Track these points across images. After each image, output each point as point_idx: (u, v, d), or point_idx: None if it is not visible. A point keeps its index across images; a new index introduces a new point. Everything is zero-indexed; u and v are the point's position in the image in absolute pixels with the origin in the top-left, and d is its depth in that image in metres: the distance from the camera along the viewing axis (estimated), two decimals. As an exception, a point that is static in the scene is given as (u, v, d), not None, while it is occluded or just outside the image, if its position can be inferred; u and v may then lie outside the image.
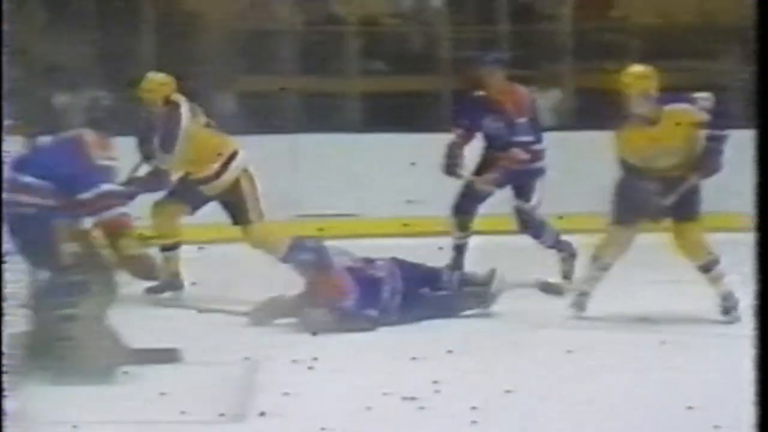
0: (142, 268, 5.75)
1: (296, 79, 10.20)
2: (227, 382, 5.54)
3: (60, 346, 5.50)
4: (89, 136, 5.83)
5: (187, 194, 7.45)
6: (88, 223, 5.71)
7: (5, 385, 2.34)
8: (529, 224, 7.60)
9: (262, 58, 10.35)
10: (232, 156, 7.44)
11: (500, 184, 7.57)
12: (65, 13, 10.07)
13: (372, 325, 6.51)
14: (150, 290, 7.18)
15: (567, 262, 7.52)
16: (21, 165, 5.69)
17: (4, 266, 2.21)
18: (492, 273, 6.98)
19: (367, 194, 9.23)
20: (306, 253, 6.63)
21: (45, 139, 6.10)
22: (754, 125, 2.37)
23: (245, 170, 7.45)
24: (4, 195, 5.49)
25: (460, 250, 7.63)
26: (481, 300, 6.93)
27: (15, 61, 9.91)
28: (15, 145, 5.85)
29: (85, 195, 5.59)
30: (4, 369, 2.37)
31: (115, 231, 5.62)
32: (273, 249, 7.23)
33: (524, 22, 10.58)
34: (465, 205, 7.64)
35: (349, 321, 6.46)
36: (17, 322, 5.41)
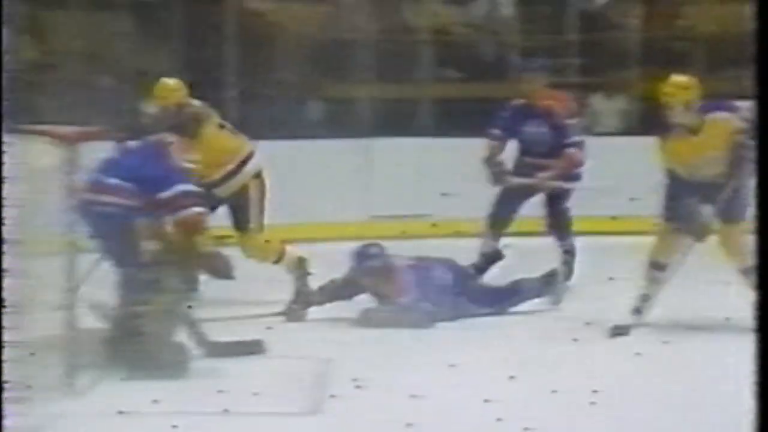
0: (216, 266, 5.85)
1: (372, 86, 10.32)
2: (301, 376, 5.62)
3: (136, 341, 5.60)
4: (171, 139, 6.02)
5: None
6: (166, 222, 5.79)
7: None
8: (560, 227, 7.67)
9: (339, 66, 10.47)
10: (247, 158, 7.16)
11: (557, 184, 7.63)
12: (153, 24, 10.27)
13: (430, 320, 6.67)
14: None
15: (569, 264, 7.54)
16: (106, 167, 5.89)
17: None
18: (554, 271, 7.13)
19: (438, 196, 9.30)
20: (370, 260, 6.84)
21: (132, 143, 6.23)
22: (754, 125, 2.42)
23: (257, 175, 7.14)
24: (90, 195, 5.70)
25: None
26: (550, 297, 7.09)
27: (107, 69, 10.24)
28: (105, 149, 6.09)
29: (164, 194, 5.72)
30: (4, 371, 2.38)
31: (191, 229, 5.73)
32: (264, 259, 7.09)
33: (592, 31, 10.61)
34: (504, 210, 7.70)
35: (408, 317, 6.65)
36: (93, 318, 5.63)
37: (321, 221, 9.12)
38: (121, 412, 4.98)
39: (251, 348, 6.05)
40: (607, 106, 10.47)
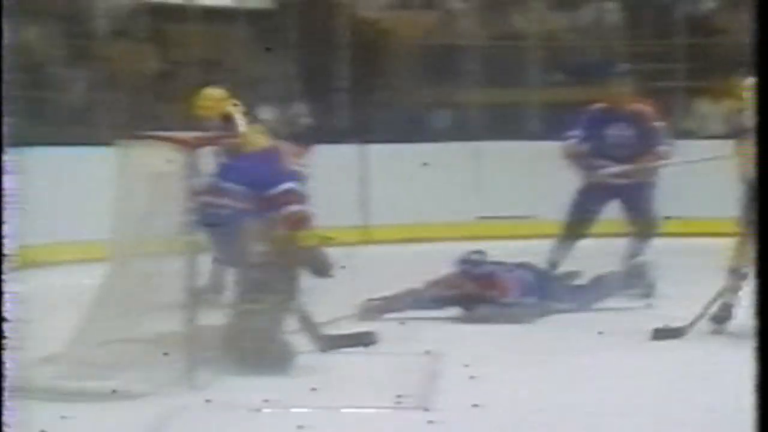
0: (316, 263, 5.87)
1: (481, 91, 10.30)
2: (409, 372, 5.61)
3: (248, 338, 5.63)
4: (286, 146, 6.07)
5: None
6: (272, 219, 5.79)
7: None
8: (641, 230, 7.53)
9: (449, 71, 10.48)
10: None
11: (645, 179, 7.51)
12: (269, 32, 10.37)
13: (530, 316, 6.75)
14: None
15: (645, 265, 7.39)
16: (223, 172, 5.97)
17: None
18: (641, 264, 7.11)
19: (544, 198, 9.26)
20: (473, 265, 6.96)
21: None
22: (755, 125, 2.30)
23: None
24: (207, 198, 5.77)
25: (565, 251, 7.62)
26: (639, 292, 7.07)
27: (225, 77, 10.38)
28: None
29: (271, 192, 5.76)
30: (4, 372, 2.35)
31: (295, 225, 5.75)
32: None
33: (699, 36, 10.46)
34: (585, 208, 7.61)
35: (511, 314, 6.74)
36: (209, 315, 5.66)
37: (429, 222, 9.12)
38: (239, 406, 5.01)
39: (363, 339, 6.09)
40: (713, 111, 10.30)
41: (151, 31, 10.07)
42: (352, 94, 10.03)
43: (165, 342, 5.46)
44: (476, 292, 6.88)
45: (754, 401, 2.25)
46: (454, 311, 6.87)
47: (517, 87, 10.45)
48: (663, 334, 6.22)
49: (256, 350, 5.60)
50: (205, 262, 6.51)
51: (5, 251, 2.51)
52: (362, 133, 9.07)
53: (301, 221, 5.78)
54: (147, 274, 5.66)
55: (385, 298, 6.90)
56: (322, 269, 5.90)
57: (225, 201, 5.78)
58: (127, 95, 9.30)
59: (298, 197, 5.81)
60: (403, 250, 8.50)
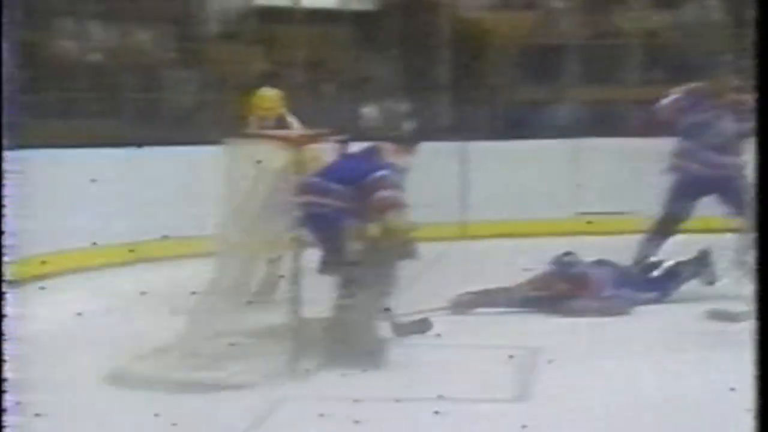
0: (402, 246, 5.83)
1: (580, 89, 10.22)
2: (509, 363, 5.59)
3: (341, 332, 5.67)
4: (387, 146, 6.05)
5: None
6: (366, 210, 5.81)
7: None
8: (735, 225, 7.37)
9: (549, 69, 10.41)
10: None
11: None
12: (373, 33, 10.41)
13: (625, 310, 6.76)
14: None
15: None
16: (326, 171, 5.98)
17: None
18: (706, 251, 7.09)
19: (644, 194, 9.15)
20: (564, 266, 7.01)
21: (353, 148, 6.27)
22: (755, 125, 2.26)
23: None
24: (310, 197, 5.81)
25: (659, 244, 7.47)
26: (705, 278, 7.10)
27: (330, 77, 10.44)
28: (328, 151, 6.19)
29: (364, 180, 5.80)
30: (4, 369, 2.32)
31: (385, 208, 5.74)
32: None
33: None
34: (680, 203, 7.44)
35: (604, 307, 6.76)
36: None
37: (530, 218, 9.07)
38: (340, 398, 5.03)
39: (422, 327, 6.13)
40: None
41: (258, 33, 10.18)
42: (452, 93, 10.02)
43: (270, 334, 5.54)
44: (567, 293, 6.89)
45: (754, 401, 2.23)
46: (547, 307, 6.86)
47: (617, 85, 10.34)
48: (719, 315, 6.24)
49: (351, 343, 5.64)
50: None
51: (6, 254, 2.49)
52: (462, 130, 9.06)
53: (391, 206, 5.76)
54: (253, 269, 5.74)
55: (477, 293, 6.90)
56: (405, 251, 5.88)
57: (327, 200, 5.82)
58: (234, 95, 9.41)
59: (390, 184, 5.82)
60: (501, 245, 8.45)
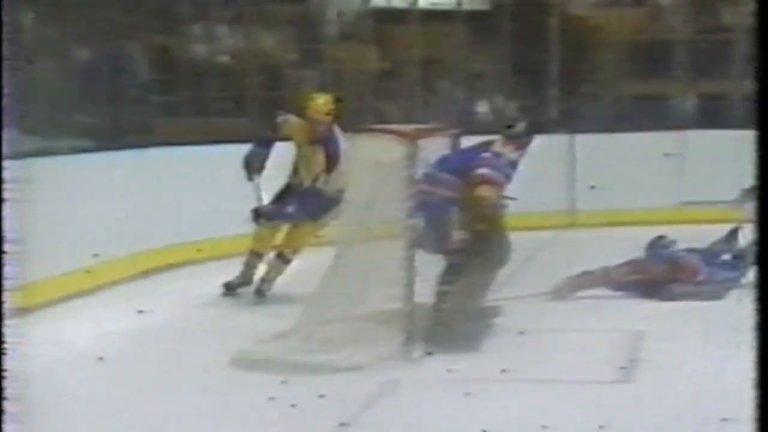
0: (497, 252, 5.89)
1: (688, 83, 10.10)
2: (613, 347, 5.62)
3: (448, 317, 5.73)
4: (499, 141, 6.09)
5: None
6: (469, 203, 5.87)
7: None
8: None
9: (657, 64, 10.31)
10: None
11: None
12: (485, 30, 10.43)
13: (721, 294, 6.75)
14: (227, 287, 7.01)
15: None
16: (439, 162, 6.04)
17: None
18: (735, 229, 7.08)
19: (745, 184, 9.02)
20: (659, 250, 7.02)
21: (465, 144, 6.34)
22: (755, 125, 2.21)
23: None
24: (423, 186, 5.86)
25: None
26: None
27: (443, 74, 10.49)
28: (440, 145, 6.26)
29: (470, 168, 5.86)
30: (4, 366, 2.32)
31: (480, 183, 5.77)
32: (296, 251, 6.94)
33: None
34: None
35: (705, 291, 6.79)
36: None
37: (634, 207, 9.02)
38: (450, 380, 5.13)
39: (493, 313, 6.12)
40: None
41: (375, 33, 10.26)
42: (561, 88, 9.99)
43: (384, 319, 5.64)
44: (663, 276, 6.87)
45: (755, 401, 2.15)
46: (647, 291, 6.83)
47: (723, 78, 10.18)
48: None
49: (453, 328, 5.69)
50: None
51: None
52: (570, 124, 9.04)
53: (486, 182, 5.78)
54: (369, 256, 5.84)
55: (577, 277, 6.89)
56: (499, 258, 5.91)
57: (436, 189, 5.88)
58: (352, 93, 9.52)
59: (490, 164, 5.85)
60: (606, 234, 8.44)
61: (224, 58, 10.01)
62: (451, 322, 5.70)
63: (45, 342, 5.32)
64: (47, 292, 6.26)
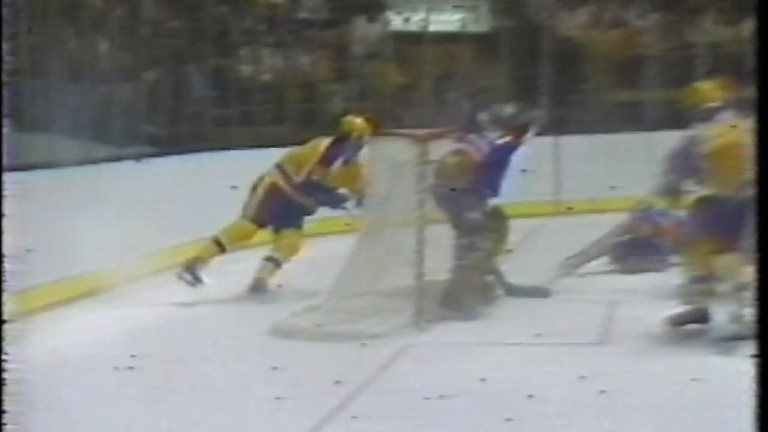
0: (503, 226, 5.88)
1: (658, 91, 10.04)
2: (594, 315, 5.56)
3: (459, 289, 5.66)
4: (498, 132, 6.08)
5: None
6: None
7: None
8: None
9: (632, 76, 10.25)
10: None
11: None
12: (488, 50, 10.43)
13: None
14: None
15: None
16: None
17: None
18: None
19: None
20: (644, 211, 6.77)
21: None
22: (755, 125, 2.04)
23: None
24: (438, 180, 5.79)
25: None
26: None
27: (454, 87, 10.44)
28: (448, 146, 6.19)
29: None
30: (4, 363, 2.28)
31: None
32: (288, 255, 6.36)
33: None
34: None
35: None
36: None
37: (610, 196, 8.97)
38: (455, 343, 5.11)
39: (539, 292, 6.03)
40: None
41: (394, 53, 10.31)
42: (552, 97, 9.96)
43: (400, 294, 5.59)
44: (652, 235, 6.68)
45: (755, 401, 1.99)
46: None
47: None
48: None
49: (460, 298, 5.63)
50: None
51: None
52: (558, 127, 9.05)
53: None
54: (388, 241, 5.81)
55: (576, 255, 6.78)
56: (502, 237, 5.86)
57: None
58: (376, 104, 9.57)
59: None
60: (590, 220, 8.35)
61: (267, 77, 10.04)
62: (462, 294, 5.64)
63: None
64: (129, 271, 6.26)
